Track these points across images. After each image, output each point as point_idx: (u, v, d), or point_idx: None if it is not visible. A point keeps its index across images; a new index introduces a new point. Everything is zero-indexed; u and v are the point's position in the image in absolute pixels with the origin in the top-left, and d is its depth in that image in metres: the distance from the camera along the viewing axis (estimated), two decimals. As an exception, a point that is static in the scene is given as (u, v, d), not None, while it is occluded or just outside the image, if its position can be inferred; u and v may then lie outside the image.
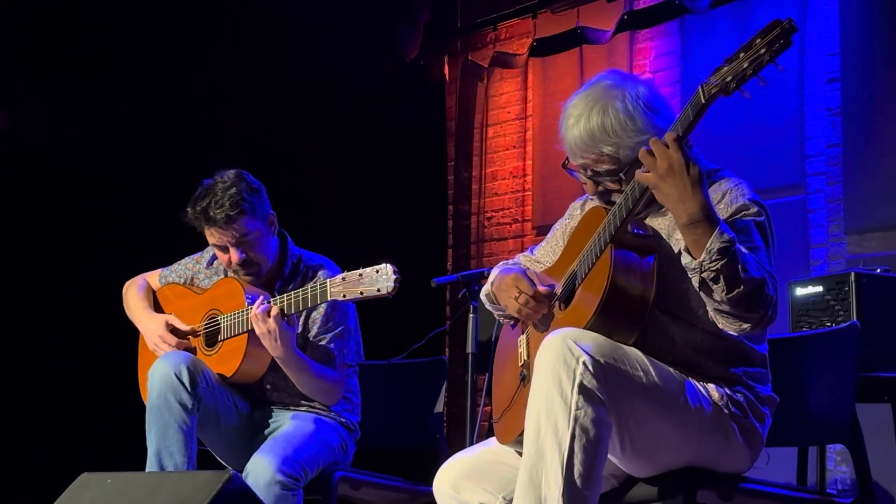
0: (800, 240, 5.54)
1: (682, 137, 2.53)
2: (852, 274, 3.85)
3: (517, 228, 6.90)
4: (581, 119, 2.76)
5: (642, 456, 2.69)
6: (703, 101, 2.49)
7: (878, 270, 3.96)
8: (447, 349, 6.61)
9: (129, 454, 3.74)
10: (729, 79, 2.46)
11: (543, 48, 6.61)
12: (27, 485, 5.44)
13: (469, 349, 3.83)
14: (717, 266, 2.48)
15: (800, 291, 4.06)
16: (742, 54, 2.44)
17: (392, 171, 6.60)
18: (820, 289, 3.98)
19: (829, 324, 3.88)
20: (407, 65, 6.96)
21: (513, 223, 6.93)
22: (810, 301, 4.00)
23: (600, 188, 2.84)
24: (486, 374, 3.43)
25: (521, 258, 3.19)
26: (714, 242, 2.48)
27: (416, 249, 6.41)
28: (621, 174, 2.76)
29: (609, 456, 2.66)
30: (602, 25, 6.35)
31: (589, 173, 2.82)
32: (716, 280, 2.49)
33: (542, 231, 6.19)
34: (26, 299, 5.86)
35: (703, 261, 2.49)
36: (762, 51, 2.41)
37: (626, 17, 6.19)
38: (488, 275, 3.21)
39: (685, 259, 2.55)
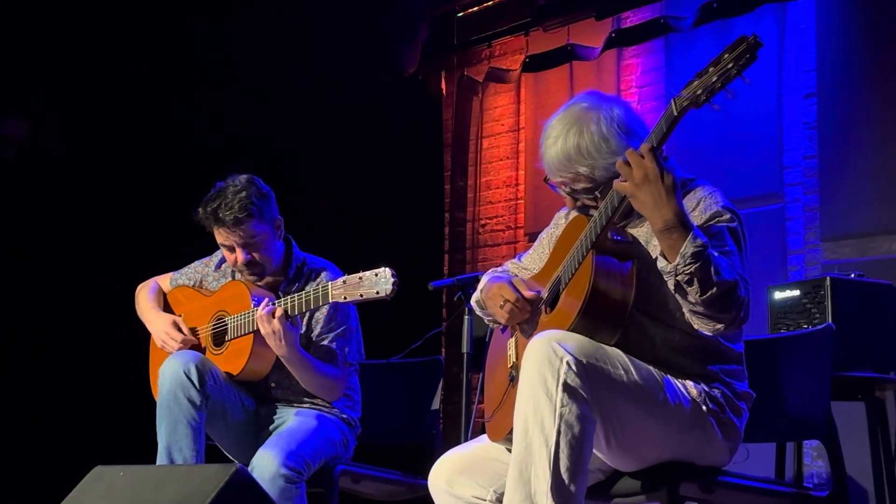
0: (778, 246, 5.54)
1: (656, 148, 2.54)
2: (828, 279, 3.86)
3: (510, 235, 6.89)
4: (558, 140, 2.76)
5: (627, 451, 2.69)
6: (675, 113, 2.51)
7: (853, 275, 3.97)
8: (443, 349, 6.60)
9: (141, 448, 3.73)
10: (699, 92, 2.47)
11: (535, 64, 6.61)
12: (43, 477, 5.43)
13: (464, 349, 3.82)
14: (691, 269, 2.49)
15: (778, 295, 4.06)
16: (711, 69, 2.46)
17: (392, 180, 6.60)
18: (797, 293, 3.98)
19: (805, 326, 3.88)
20: (406, 79, 6.96)
21: (506, 230, 6.92)
22: (788, 304, 4.00)
23: (578, 203, 2.85)
24: (480, 374, 3.43)
25: (510, 265, 3.20)
26: (688, 247, 2.49)
27: (414, 254, 6.40)
28: (597, 192, 2.77)
29: (595, 451, 2.66)
30: (591, 43, 6.35)
31: (567, 189, 2.83)
32: (690, 283, 2.50)
33: (534, 237, 6.17)
34: (40, 300, 5.86)
35: (677, 264, 2.50)
36: (730, 65, 2.43)
37: (613, 34, 6.19)
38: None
39: (661, 263, 2.56)
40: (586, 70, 6.45)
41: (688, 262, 2.49)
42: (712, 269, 2.49)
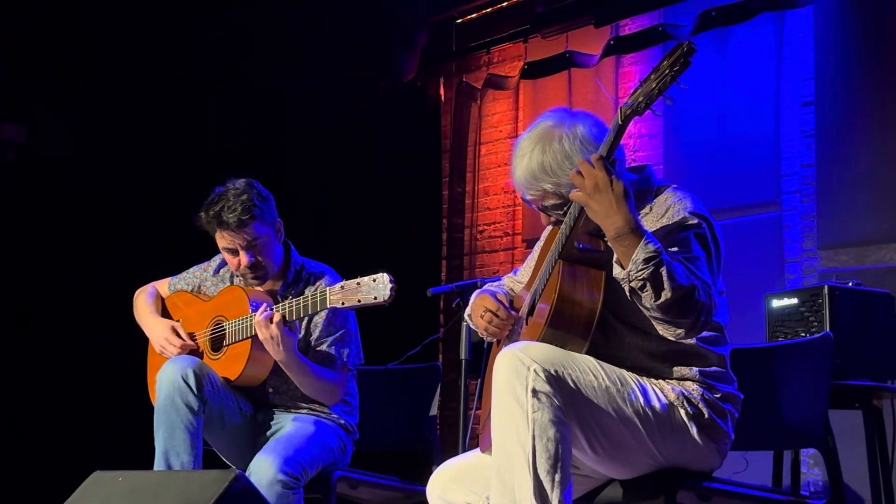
0: (775, 254, 5.54)
1: (606, 157, 2.57)
2: (826, 287, 3.86)
3: (508, 241, 6.89)
4: (524, 158, 2.78)
5: (615, 459, 2.70)
6: (619, 122, 2.55)
7: (850, 284, 3.97)
8: (440, 355, 6.59)
9: (139, 453, 3.72)
10: (641, 99, 2.51)
11: (534, 71, 6.61)
12: (42, 483, 5.43)
13: (462, 356, 3.82)
14: (643, 275, 2.50)
15: (776, 303, 4.06)
16: (652, 76, 2.50)
17: (390, 186, 6.60)
18: (795, 301, 3.98)
19: (803, 334, 3.88)
20: (405, 86, 6.96)
21: (504, 236, 6.92)
22: (786, 312, 4.00)
23: (552, 219, 2.86)
24: (478, 380, 3.43)
25: (506, 279, 3.23)
26: (639, 253, 2.50)
27: (412, 260, 6.40)
28: (566, 208, 2.78)
29: (585, 460, 2.69)
30: (589, 50, 6.36)
31: (539, 206, 2.85)
32: (643, 288, 2.51)
33: (532, 244, 6.18)
34: (40, 306, 5.86)
35: (629, 271, 2.52)
36: (666, 72, 2.47)
37: (612, 42, 6.20)
38: (481, 285, 3.24)
39: (615, 270, 2.58)
40: (584, 77, 6.46)
41: (640, 268, 2.50)
42: (665, 275, 2.49)
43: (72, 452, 5.52)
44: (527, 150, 2.78)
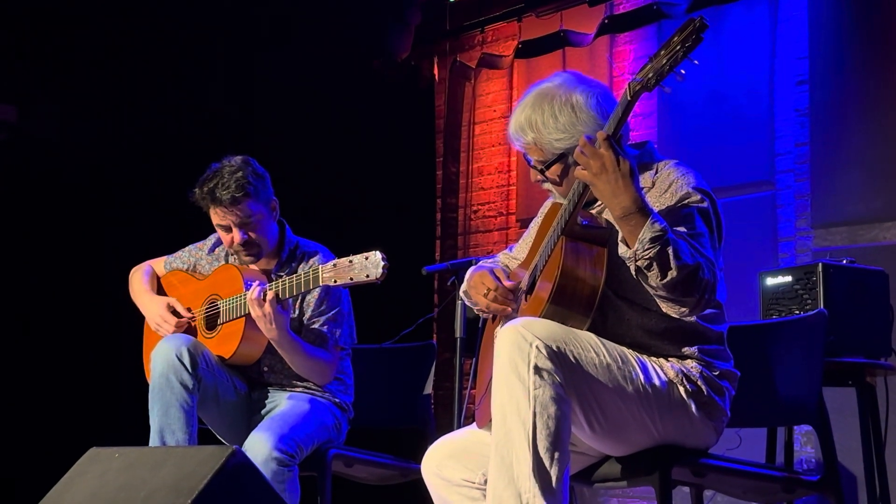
0: (769, 233, 5.56)
1: (612, 135, 2.57)
2: (820, 265, 3.88)
3: (502, 221, 6.90)
4: (520, 110, 2.86)
5: (612, 436, 2.71)
6: (629, 97, 2.55)
7: (844, 262, 3.99)
8: (435, 335, 6.61)
9: (134, 431, 3.73)
10: (651, 75, 2.50)
11: (528, 50, 6.61)
12: (39, 459, 5.44)
13: (457, 334, 3.83)
14: (650, 254, 2.51)
15: (770, 281, 4.08)
16: (662, 52, 2.49)
17: (384, 166, 6.61)
18: (789, 279, 4.00)
19: (797, 312, 3.90)
20: (399, 65, 6.96)
21: (498, 216, 6.93)
22: (780, 290, 4.02)
23: (539, 177, 2.90)
24: (473, 359, 3.45)
25: (501, 256, 3.23)
26: (646, 232, 2.51)
27: (406, 240, 6.41)
28: (545, 168, 2.83)
29: (583, 437, 2.70)
30: (584, 29, 6.36)
31: (526, 158, 2.91)
32: (649, 267, 2.52)
33: (526, 224, 6.17)
34: (37, 287, 5.86)
35: (636, 250, 2.53)
36: (677, 48, 2.46)
37: (606, 20, 6.19)
38: (476, 263, 3.25)
39: (621, 249, 2.59)
40: (579, 56, 6.45)
41: (646, 247, 2.51)
42: (671, 254, 2.51)
43: (69, 429, 5.54)
44: (525, 104, 2.86)
